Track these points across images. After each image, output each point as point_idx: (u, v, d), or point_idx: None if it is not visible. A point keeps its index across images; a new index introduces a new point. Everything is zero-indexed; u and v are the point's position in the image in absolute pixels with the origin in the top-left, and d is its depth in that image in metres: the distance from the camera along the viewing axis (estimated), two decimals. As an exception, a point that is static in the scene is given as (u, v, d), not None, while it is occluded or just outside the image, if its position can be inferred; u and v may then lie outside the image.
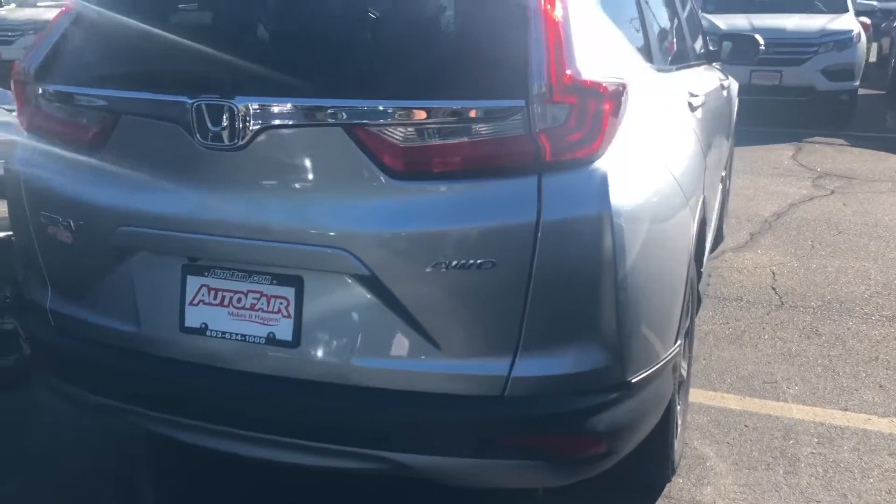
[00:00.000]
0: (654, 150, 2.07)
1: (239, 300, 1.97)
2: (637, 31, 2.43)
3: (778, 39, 9.45)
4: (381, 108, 1.78)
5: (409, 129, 1.78)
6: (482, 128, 1.77)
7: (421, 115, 1.77)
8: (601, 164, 1.82)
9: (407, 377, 1.88)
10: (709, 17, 10.21)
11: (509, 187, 1.79)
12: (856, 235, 5.47)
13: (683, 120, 2.47)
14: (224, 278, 1.98)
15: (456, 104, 1.77)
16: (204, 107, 1.84)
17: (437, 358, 1.85)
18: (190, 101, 1.85)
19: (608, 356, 1.87)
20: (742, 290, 4.46)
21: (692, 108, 2.63)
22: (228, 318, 1.97)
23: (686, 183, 2.23)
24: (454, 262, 1.78)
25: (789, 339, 3.83)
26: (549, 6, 1.81)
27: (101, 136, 2.02)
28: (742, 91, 9.58)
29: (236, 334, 1.96)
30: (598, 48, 1.97)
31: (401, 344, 1.86)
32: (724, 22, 9.91)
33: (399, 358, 1.87)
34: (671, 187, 2.10)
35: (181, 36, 1.95)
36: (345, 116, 1.79)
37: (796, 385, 3.39)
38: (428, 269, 1.79)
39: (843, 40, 9.34)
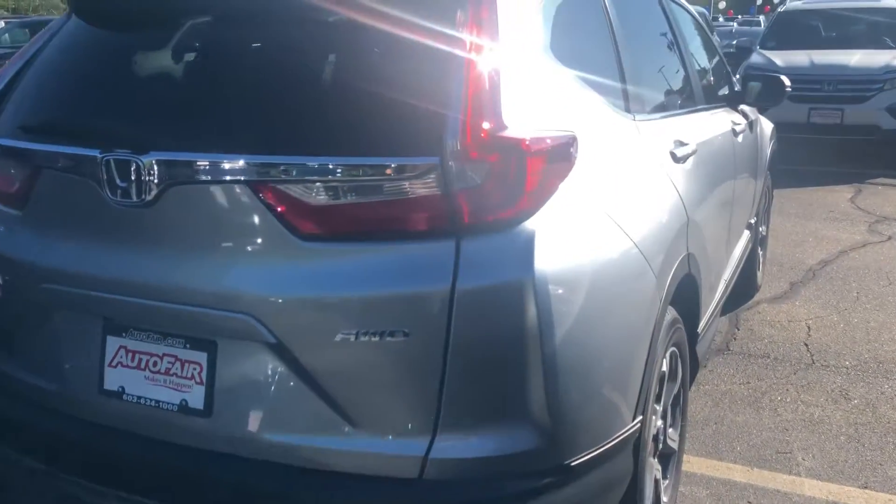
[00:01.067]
0: (606, 208, 1.89)
1: (155, 364, 1.87)
2: (608, 76, 2.27)
3: (840, 76, 9.08)
4: (287, 164, 1.66)
5: (318, 187, 1.66)
6: (395, 187, 1.64)
7: (330, 172, 1.65)
8: (528, 225, 1.66)
9: (320, 454, 1.73)
10: (767, 53, 9.91)
11: (424, 251, 1.64)
12: (907, 287, 5.09)
13: (657, 173, 2.28)
14: (141, 340, 1.88)
15: (367, 161, 1.64)
16: (113, 161, 1.76)
17: (350, 435, 1.71)
18: (100, 156, 1.78)
19: (540, 437, 1.70)
20: (771, 346, 4.16)
21: (676, 159, 2.44)
22: (145, 382, 1.88)
23: (650, 243, 2.04)
24: (364, 332, 1.64)
25: (814, 402, 3.53)
26: (473, 53, 1.68)
27: (24, 189, 1.97)
28: (800, 130, 9.31)
29: (151, 400, 1.86)
30: (540, 99, 1.82)
31: (313, 418, 1.72)
32: (782, 59, 9.60)
33: (311, 433, 1.73)
34: (625, 249, 1.92)
35: (98, 88, 1.89)
36: (250, 173, 1.68)
37: (813, 456, 3.10)
38: (337, 338, 1.65)
39: (908, 77, 8.87)
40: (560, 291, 1.66)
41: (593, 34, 2.30)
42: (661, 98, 2.73)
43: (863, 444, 3.18)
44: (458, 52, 1.68)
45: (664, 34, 3.01)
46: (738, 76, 10.14)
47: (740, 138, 3.52)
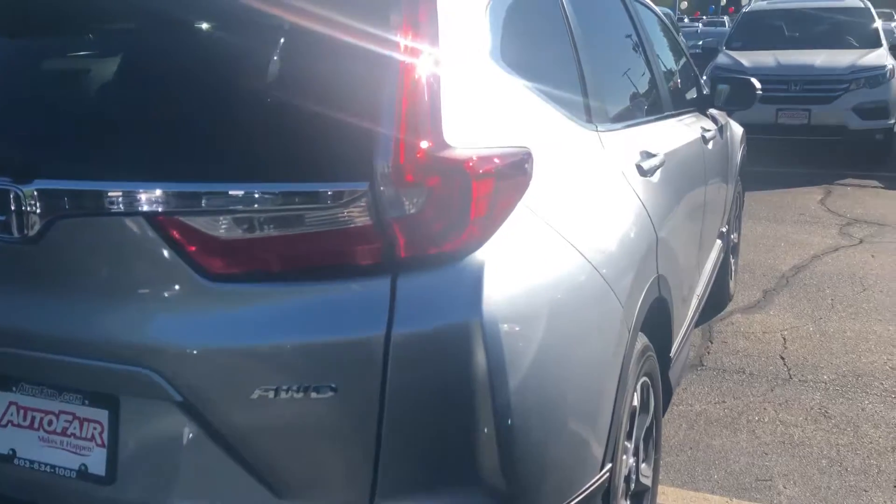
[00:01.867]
0: (566, 233, 1.67)
1: (50, 422, 1.61)
2: (567, 85, 2.05)
3: (806, 76, 8.99)
4: (191, 193, 1.42)
5: (228, 219, 1.42)
6: (318, 217, 1.40)
7: (242, 201, 1.41)
8: (476, 258, 1.44)
9: (238, 527, 1.49)
10: (733, 54, 9.81)
11: (353, 292, 1.41)
12: (882, 293, 4.95)
13: (623, 189, 2.07)
14: (33, 395, 1.63)
15: (284, 188, 1.40)
16: (-9, 192, 1.51)
17: (273, 505, 1.47)
18: (-23, 186, 1.52)
19: (493, 500, 1.47)
20: (746, 360, 3.98)
21: (643, 172, 2.23)
22: (39, 443, 1.62)
23: (616, 269, 1.83)
24: (286, 388, 1.40)
25: (793, 422, 3.34)
26: (409, 61, 1.45)
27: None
28: (768, 131, 9.20)
29: (46, 464, 1.61)
30: (487, 112, 1.60)
31: (230, 487, 1.48)
32: (748, 59, 9.50)
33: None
34: (587, 278, 1.70)
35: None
36: (150, 204, 1.44)
37: (794, 483, 2.91)
38: (254, 396, 1.41)
39: (875, 76, 8.80)
40: (513, 334, 1.44)
41: (550, 39, 2.09)
42: (626, 106, 2.52)
43: (845, 469, 3.00)
44: (390, 59, 1.45)
45: (629, 37, 2.80)
46: (704, 77, 10.06)
47: (710, 145, 3.33)
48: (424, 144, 1.40)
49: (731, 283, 4.80)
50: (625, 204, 2.04)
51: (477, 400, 1.40)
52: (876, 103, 8.76)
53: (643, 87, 2.80)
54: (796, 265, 5.57)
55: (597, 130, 2.11)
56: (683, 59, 3.78)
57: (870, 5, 10.28)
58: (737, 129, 4.51)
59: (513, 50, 1.79)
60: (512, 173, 1.56)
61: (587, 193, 1.87)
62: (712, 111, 3.94)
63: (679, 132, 2.89)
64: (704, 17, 38.86)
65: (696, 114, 3.64)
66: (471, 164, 1.43)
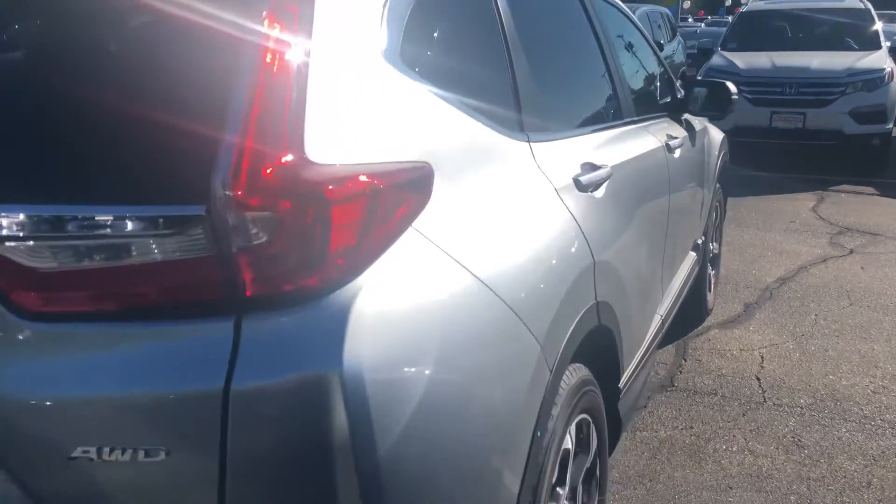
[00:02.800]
0: (469, 262, 1.44)
1: None
2: (492, 89, 1.83)
3: (802, 79, 8.75)
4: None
5: (42, 247, 1.19)
6: (150, 247, 1.18)
7: (58, 226, 1.19)
8: (340, 296, 1.21)
9: None
10: (728, 55, 9.57)
11: (190, 336, 1.19)
12: (869, 308, 4.71)
13: (552, 207, 1.84)
14: None
15: (107, 211, 1.18)
16: None
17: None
18: None
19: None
20: (720, 381, 3.75)
21: (582, 187, 2.00)
22: None
23: (531, 299, 1.61)
24: (110, 448, 1.18)
25: (763, 452, 3.12)
26: (267, 56, 1.22)
27: None
28: (762, 134, 8.96)
29: None
30: (373, 121, 1.37)
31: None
32: (743, 61, 9.26)
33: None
34: (490, 313, 1.48)
35: None
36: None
37: (759, 523, 2.69)
38: (74, 455, 1.19)
39: (872, 80, 8.55)
40: (385, 387, 1.21)
41: (474, 38, 1.86)
42: (571, 114, 2.30)
43: (815, 506, 2.78)
44: (244, 49, 1.22)
45: (581, 37, 2.57)
46: (699, 77, 9.81)
47: (678, 153, 3.09)
48: (276, 159, 1.18)
49: (710, 297, 4.57)
50: (552, 225, 1.81)
51: (337, 470, 1.18)
52: (873, 107, 8.52)
53: (595, 92, 2.57)
54: (782, 277, 5.34)
55: (528, 141, 1.89)
56: (654, 62, 3.54)
57: (870, 6, 10.01)
58: (716, 135, 4.28)
59: (418, 49, 1.56)
60: (397, 193, 1.33)
61: (503, 215, 1.65)
62: (688, 117, 3.71)
63: (636, 141, 2.66)
64: (709, 17, 38.50)
65: (668, 120, 3.41)
66: (330, 185, 1.20)
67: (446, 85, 1.61)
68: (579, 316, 1.85)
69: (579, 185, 2.00)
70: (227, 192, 1.14)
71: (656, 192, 2.74)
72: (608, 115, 2.59)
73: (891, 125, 8.74)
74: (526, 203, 1.75)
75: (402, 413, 1.25)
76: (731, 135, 9.02)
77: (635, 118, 2.84)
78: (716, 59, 9.65)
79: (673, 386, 3.72)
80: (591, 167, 2.11)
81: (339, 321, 1.19)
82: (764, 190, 8.00)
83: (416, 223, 1.37)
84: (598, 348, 2.11)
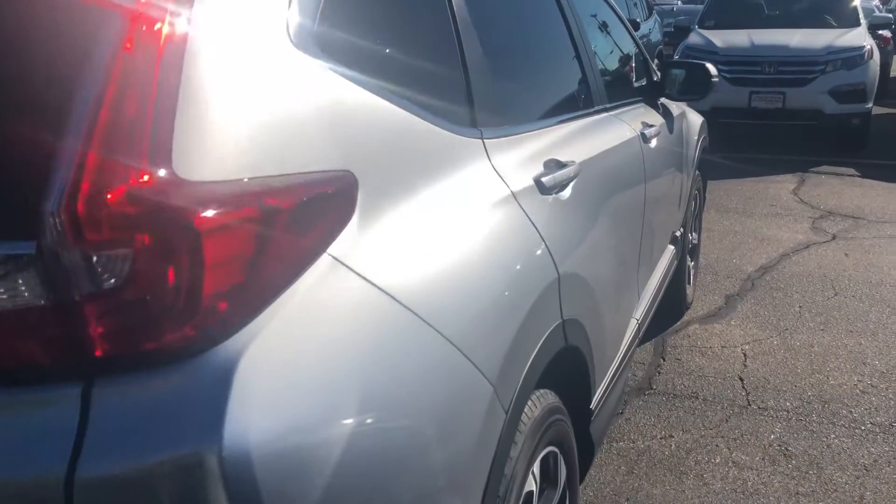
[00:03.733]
0: (399, 291, 1.18)
1: None
2: (435, 80, 1.56)
3: (781, 57, 8.52)
4: None
5: None
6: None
7: None
8: (220, 354, 0.95)
9: None
10: (705, 33, 9.33)
11: (24, 411, 0.92)
12: (854, 298, 4.51)
13: (509, 215, 1.58)
14: None
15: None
16: None
17: None
18: None
19: None
20: (701, 383, 3.53)
21: (545, 189, 1.74)
22: None
23: (477, 329, 1.36)
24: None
25: (748, 464, 2.90)
26: (125, 42, 0.94)
27: None
28: (741, 115, 8.74)
29: None
30: (272, 122, 1.09)
31: None
32: (721, 39, 9.02)
33: None
34: (427, 353, 1.22)
35: None
36: None
37: (745, 547, 2.47)
38: None
39: (852, 58, 8.35)
40: (279, 466, 0.95)
41: (415, 14, 1.59)
42: (533, 103, 2.03)
43: (805, 525, 2.56)
44: (93, 31, 0.94)
45: (545, 14, 2.30)
46: (676, 57, 9.57)
47: (655, 142, 2.84)
48: (129, 176, 0.90)
49: (690, 289, 4.35)
50: (509, 237, 1.55)
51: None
52: (853, 86, 8.32)
53: (562, 78, 2.31)
54: (763, 265, 5.12)
55: (481, 138, 1.62)
56: (628, 42, 3.28)
57: (848, -18, 9.80)
58: (695, 119, 4.03)
59: (340, 31, 1.29)
60: (304, 213, 1.07)
61: (447, 229, 1.39)
62: (665, 101, 3.46)
63: (609, 131, 2.40)
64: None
65: (644, 105, 3.16)
66: (204, 208, 0.93)
67: (377, 74, 1.34)
68: (542, 339, 1.60)
69: (542, 187, 1.74)
70: (62, 223, 0.87)
71: (631, 187, 2.49)
72: (577, 104, 2.33)
73: (871, 104, 8.55)
74: (476, 213, 1.49)
75: (312, 492, 0.99)
76: (710, 116, 8.81)
77: (608, 105, 2.58)
78: (693, 38, 9.40)
79: (651, 389, 3.49)
80: (556, 165, 1.85)
81: (218, 385, 0.92)
82: (744, 172, 7.80)
83: (334, 248, 1.11)
84: (567, 370, 1.87)
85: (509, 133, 1.74)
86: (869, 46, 8.47)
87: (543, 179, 1.75)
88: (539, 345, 1.58)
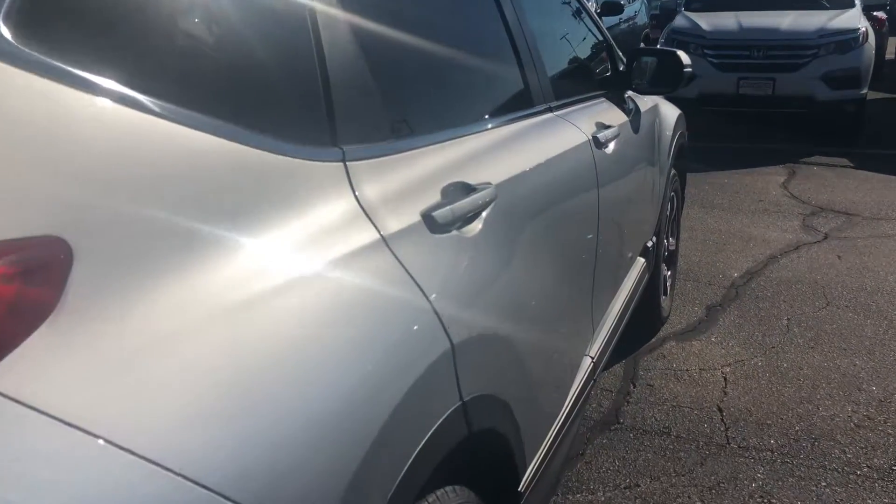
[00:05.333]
0: (134, 441, 0.74)
1: None
2: (269, 85, 1.11)
3: (771, 41, 8.07)
4: None
5: None
6: None
7: None
8: None
9: None
10: (691, 15, 8.87)
11: None
12: (848, 309, 4.09)
13: (377, 269, 1.14)
14: None
15: None
16: None
17: None
18: None
19: None
20: (674, 415, 3.11)
21: (436, 227, 1.30)
22: None
23: (330, 436, 0.92)
24: None
25: (724, 521, 2.48)
26: None
27: None
28: (728, 102, 8.29)
29: None
30: None
31: None
32: (707, 22, 8.56)
33: None
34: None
35: None
36: None
37: None
38: None
39: (845, 41, 7.90)
40: None
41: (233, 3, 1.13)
42: (434, 106, 1.57)
43: None
44: None
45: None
46: (662, 41, 9.10)
47: (612, 146, 2.39)
48: None
49: (666, 301, 3.92)
50: (361, 310, 1.10)
51: None
52: (846, 71, 7.87)
53: (485, 71, 1.85)
54: (749, 270, 4.70)
55: (343, 160, 1.18)
56: (588, 27, 2.83)
57: (842, -39, 9.32)
58: (669, 113, 3.58)
59: (74, 22, 0.84)
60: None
61: (282, 296, 0.95)
62: (633, 94, 3.01)
63: (548, 138, 1.94)
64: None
65: (605, 101, 2.71)
66: None
67: (137, 76, 0.89)
68: (427, 436, 1.17)
69: (433, 224, 1.29)
70: None
71: (578, 204, 2.04)
72: (508, 105, 1.88)
73: (865, 90, 8.11)
74: (324, 269, 1.05)
75: None
76: (696, 103, 8.41)
77: (554, 104, 2.13)
78: (678, 21, 8.94)
79: (618, 423, 3.07)
80: (460, 190, 1.40)
81: None
82: (730, 164, 7.37)
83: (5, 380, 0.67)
84: (480, 455, 1.44)
85: (390, 151, 1.30)
86: (864, 29, 8.02)
87: (437, 213, 1.30)
88: (420, 447, 1.14)
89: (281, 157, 1.07)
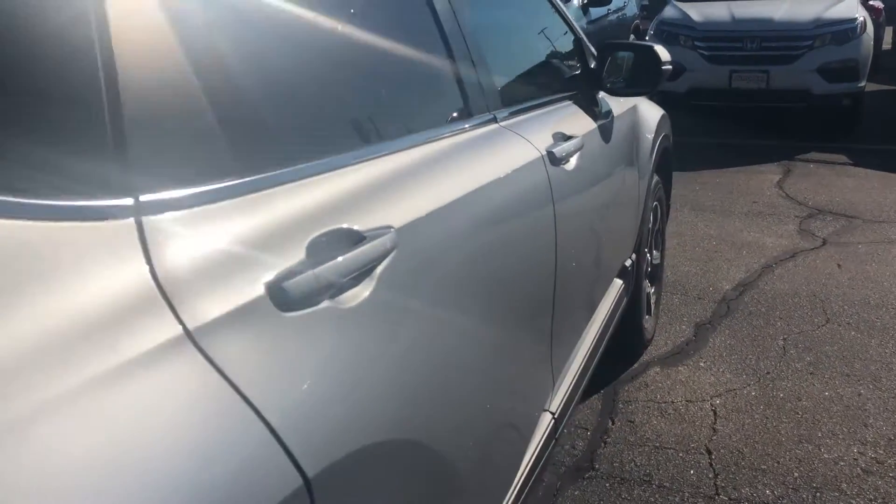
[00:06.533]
0: None
1: None
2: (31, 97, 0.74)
3: (764, 32, 7.69)
4: None
5: None
6: None
7: None
8: None
9: None
10: (681, 6, 8.48)
11: None
12: (850, 326, 3.72)
13: (184, 394, 0.77)
14: None
15: None
16: None
17: None
18: None
19: None
20: (657, 458, 2.73)
21: (295, 301, 0.92)
22: None
23: None
24: None
25: None
26: None
27: None
28: (720, 96, 7.91)
29: None
30: None
31: None
32: (698, 12, 8.18)
33: None
34: None
35: None
36: None
37: None
38: None
39: (843, 31, 7.52)
40: None
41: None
42: (300, 126, 1.15)
43: None
44: None
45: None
46: (651, 33, 8.71)
47: (574, 160, 1.99)
48: None
49: (650, 322, 3.54)
50: (166, 440, 0.72)
51: None
52: (844, 63, 7.49)
53: (395, 74, 1.44)
54: (742, 281, 4.32)
55: (134, 217, 0.80)
56: (552, 20, 2.44)
57: (838, -52, 8.93)
58: (650, 114, 3.20)
59: None
60: None
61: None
62: (605, 96, 2.63)
63: (482, 159, 1.55)
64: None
65: (571, 104, 2.33)
66: None
67: None
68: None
69: (284, 299, 0.91)
70: None
71: (526, 236, 1.65)
72: (430, 117, 1.50)
73: (864, 82, 7.73)
74: (71, 409, 0.67)
75: None
76: (687, 97, 8.03)
77: (500, 113, 1.75)
78: (668, 11, 8.55)
79: (593, 469, 2.70)
80: (340, 241, 1.02)
81: None
82: (723, 161, 7.00)
83: None
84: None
85: (220, 196, 0.91)
86: (862, 18, 7.64)
87: (292, 283, 0.92)
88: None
89: (29, 221, 0.69)
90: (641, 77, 2.45)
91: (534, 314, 1.71)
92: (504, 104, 1.80)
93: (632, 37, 11.78)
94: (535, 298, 1.71)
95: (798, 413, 2.99)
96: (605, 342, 2.54)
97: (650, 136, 3.08)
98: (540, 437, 1.85)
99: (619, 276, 2.84)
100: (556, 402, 1.97)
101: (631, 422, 2.98)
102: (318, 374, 0.94)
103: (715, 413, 3.01)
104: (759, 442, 2.81)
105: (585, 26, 9.56)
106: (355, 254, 1.02)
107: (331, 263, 0.99)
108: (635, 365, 3.39)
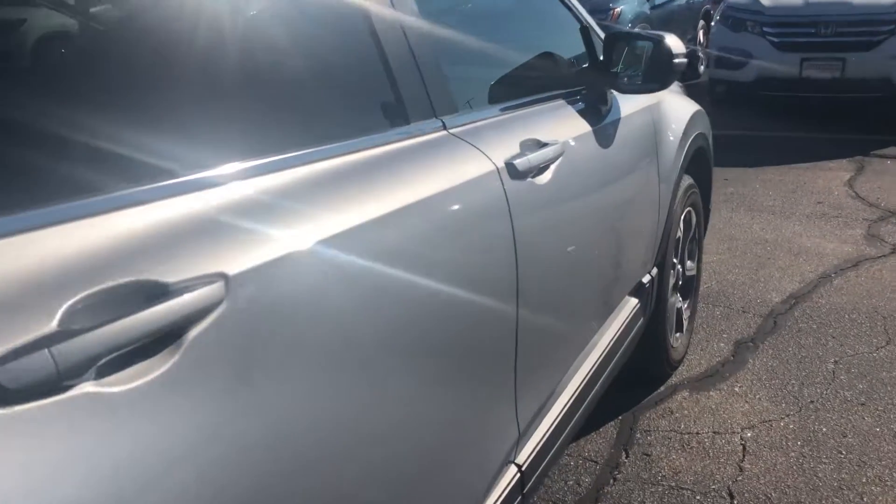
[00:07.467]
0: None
1: None
2: None
3: (841, 17, 7.13)
4: None
5: None
6: None
7: None
8: None
9: None
10: (750, -10, 7.93)
11: None
12: (914, 350, 3.30)
13: None
14: None
15: None
16: None
17: None
18: None
19: None
20: (669, 502, 2.42)
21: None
22: None
23: None
24: None
25: None
26: None
27: None
28: (790, 87, 7.38)
29: None
30: None
31: None
32: (769, -2, 7.63)
33: None
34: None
35: None
36: None
37: None
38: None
39: (929, 15, 6.90)
40: None
41: None
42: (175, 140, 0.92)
43: None
44: None
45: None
46: (716, 19, 8.21)
47: (548, 174, 1.68)
48: None
49: (681, 340, 3.21)
50: None
51: None
52: (930, 50, 6.88)
53: (292, 77, 1.18)
54: (794, 293, 3.92)
55: None
56: (546, 4, 2.14)
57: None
58: (678, 109, 2.85)
59: None
60: None
61: None
62: (616, 94, 2.32)
63: (401, 178, 1.28)
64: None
65: (561, 105, 2.03)
66: None
67: None
68: None
69: (9, 384, 0.67)
70: None
71: (471, 266, 1.37)
72: (339, 125, 1.24)
73: (951, 71, 7.09)
74: None
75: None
76: (753, 88, 7.53)
77: (452, 119, 1.47)
78: (736, -4, 8.03)
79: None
80: (115, 304, 0.78)
81: None
82: (789, 157, 6.50)
83: None
84: None
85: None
86: (950, 0, 7.00)
87: (13, 366, 0.68)
88: None
89: None
90: (651, 73, 2.14)
91: (483, 357, 1.44)
92: (459, 108, 1.53)
93: (701, 23, 11.20)
94: (486, 338, 1.44)
95: (841, 453, 2.63)
96: (606, 374, 2.24)
97: (676, 136, 2.74)
98: (500, 493, 1.58)
99: (634, 295, 2.53)
100: (525, 452, 1.69)
101: (647, 455, 2.67)
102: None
103: (744, 448, 2.67)
104: (790, 486, 2.46)
105: (648, 13, 9.09)
106: (139, 316, 0.78)
107: (99, 331, 0.75)
108: (661, 388, 3.07)
